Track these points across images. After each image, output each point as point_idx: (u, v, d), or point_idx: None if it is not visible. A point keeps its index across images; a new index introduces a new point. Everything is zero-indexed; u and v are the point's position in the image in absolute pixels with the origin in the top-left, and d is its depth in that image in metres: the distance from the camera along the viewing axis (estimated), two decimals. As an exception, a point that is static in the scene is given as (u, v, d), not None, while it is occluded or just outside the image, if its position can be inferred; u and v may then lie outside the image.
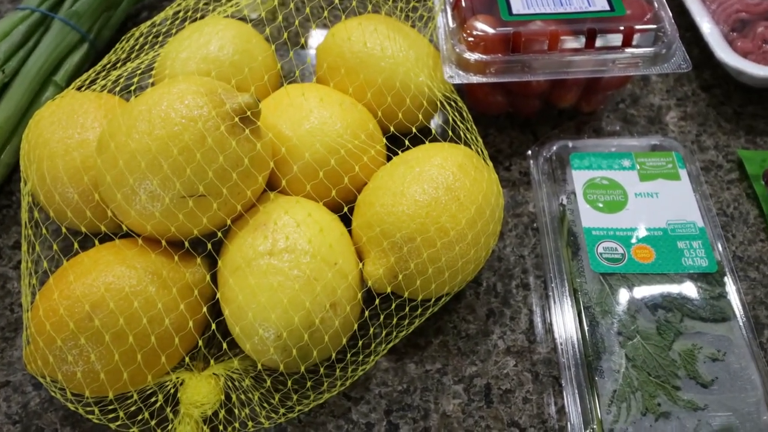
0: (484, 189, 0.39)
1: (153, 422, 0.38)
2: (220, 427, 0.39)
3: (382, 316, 0.40)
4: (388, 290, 0.38)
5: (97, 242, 0.38)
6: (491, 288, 0.45)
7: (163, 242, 0.37)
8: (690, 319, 0.40)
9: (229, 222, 0.37)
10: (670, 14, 0.47)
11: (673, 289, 0.41)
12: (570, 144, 0.49)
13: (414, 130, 0.44)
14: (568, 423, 0.39)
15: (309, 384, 0.39)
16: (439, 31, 0.49)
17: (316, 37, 0.61)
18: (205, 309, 0.38)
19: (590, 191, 0.46)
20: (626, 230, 0.44)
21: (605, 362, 0.38)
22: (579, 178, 0.47)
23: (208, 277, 0.39)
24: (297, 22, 0.48)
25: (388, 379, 0.42)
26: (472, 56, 0.46)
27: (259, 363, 0.37)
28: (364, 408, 0.41)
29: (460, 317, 0.44)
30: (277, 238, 0.36)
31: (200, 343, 0.38)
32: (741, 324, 0.40)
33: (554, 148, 0.49)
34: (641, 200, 0.45)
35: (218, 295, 0.38)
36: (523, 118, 0.54)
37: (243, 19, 0.51)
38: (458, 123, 0.44)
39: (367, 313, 0.40)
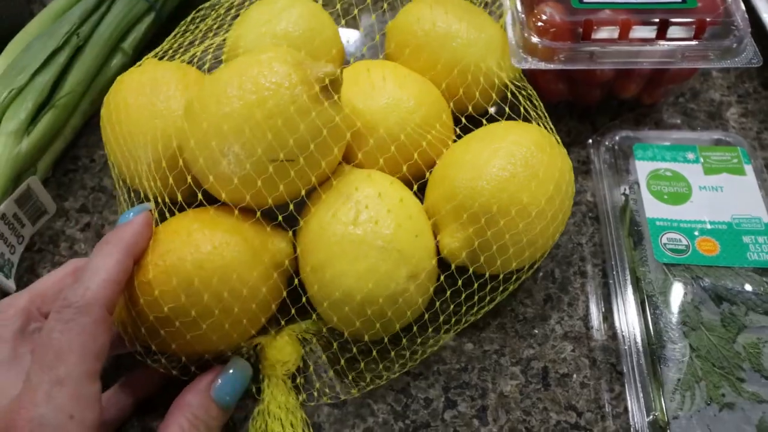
0: (560, 166, 0.40)
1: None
2: (315, 395, 0.40)
3: (464, 294, 0.40)
4: (465, 261, 0.39)
5: (175, 210, 0.38)
6: (549, 274, 0.46)
7: (258, 213, 0.37)
8: (755, 314, 0.40)
9: (303, 193, 0.38)
10: (743, 8, 0.47)
11: (737, 282, 0.41)
12: (632, 134, 0.49)
13: (491, 111, 0.44)
14: (629, 409, 0.39)
15: (393, 355, 0.40)
16: (507, 16, 0.49)
17: (375, 21, 0.61)
18: (296, 281, 0.38)
19: (654, 182, 0.46)
20: (690, 222, 0.44)
21: (669, 351, 0.39)
22: (642, 168, 0.47)
23: (292, 253, 0.39)
24: (370, 0, 0.48)
25: (447, 357, 0.42)
26: (541, 42, 0.46)
27: (334, 323, 0.37)
28: (422, 383, 0.41)
29: (517, 301, 0.44)
30: (359, 208, 0.36)
31: (273, 307, 0.39)
32: (805, 320, 0.40)
33: (616, 138, 0.49)
34: (705, 193, 0.45)
35: (297, 255, 0.38)
36: (583, 107, 0.54)
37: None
38: (528, 107, 0.44)
39: (448, 293, 0.40)
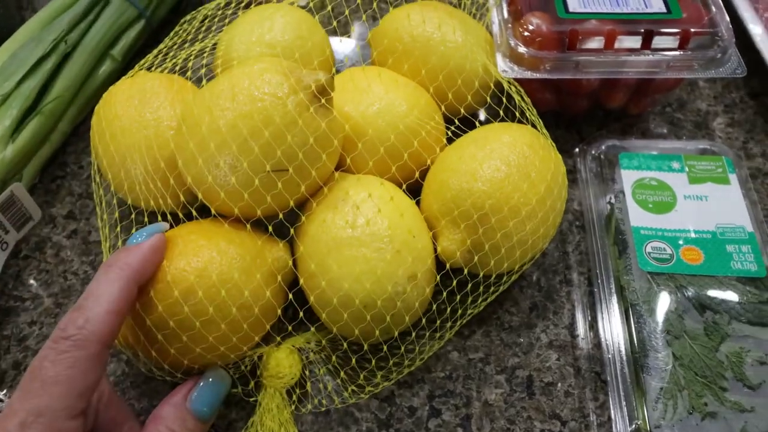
0: (552, 168, 0.40)
1: (239, 390, 0.38)
2: (308, 404, 0.40)
3: (458, 296, 0.40)
4: (462, 264, 0.39)
5: (169, 218, 0.38)
6: (535, 282, 0.46)
7: (248, 226, 0.37)
8: (738, 323, 0.40)
9: (292, 204, 0.38)
10: (728, 19, 0.47)
11: (721, 291, 0.41)
12: (618, 144, 0.50)
13: (484, 113, 0.44)
14: (612, 418, 0.39)
15: (392, 361, 0.40)
16: (493, 24, 0.49)
17: (364, 27, 0.62)
18: (290, 295, 0.38)
19: (639, 191, 0.46)
20: (675, 231, 0.44)
21: (652, 360, 0.39)
22: (628, 177, 0.47)
23: (290, 262, 0.39)
24: (347, 12, 0.49)
25: (431, 365, 0.42)
26: (528, 52, 0.46)
27: (334, 330, 0.38)
28: (407, 392, 0.41)
29: (503, 309, 0.44)
30: (354, 211, 0.37)
31: (278, 312, 0.38)
32: (788, 330, 0.40)
33: (603, 147, 0.49)
34: (690, 202, 0.45)
35: (293, 265, 0.38)
36: (570, 116, 0.55)
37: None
38: (523, 105, 0.44)
39: (444, 294, 0.40)
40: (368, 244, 0.36)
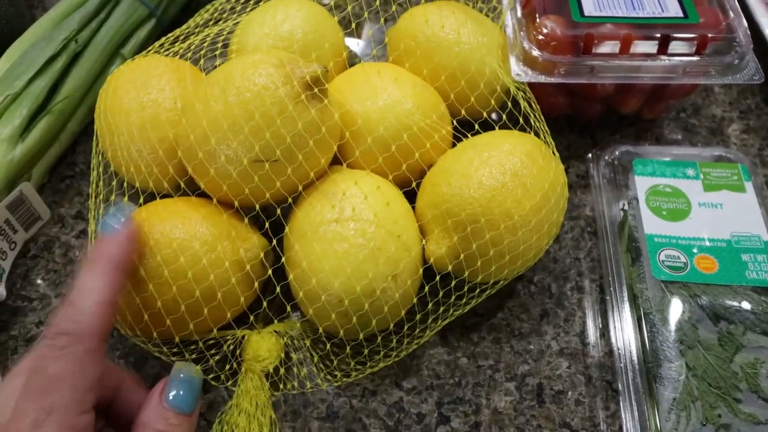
0: (551, 178, 0.39)
1: (222, 374, 0.39)
2: (281, 385, 0.40)
3: (441, 293, 0.40)
4: (449, 268, 0.39)
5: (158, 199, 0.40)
6: (545, 288, 0.45)
7: (236, 203, 0.38)
8: (753, 333, 0.39)
9: (278, 185, 0.38)
10: (745, 24, 0.46)
11: (736, 301, 0.40)
12: (632, 149, 0.49)
13: (485, 115, 0.44)
14: (623, 428, 0.38)
15: (366, 351, 0.39)
16: (507, 27, 0.49)
17: (381, 29, 0.61)
18: (270, 272, 0.39)
19: (653, 198, 0.46)
20: (689, 239, 0.43)
21: (665, 370, 0.38)
22: (642, 184, 0.46)
23: (262, 255, 0.39)
24: (366, 14, 0.48)
25: (440, 372, 0.42)
26: (542, 56, 0.45)
27: (321, 327, 0.38)
28: (415, 398, 0.41)
29: (513, 315, 0.44)
30: (344, 207, 0.37)
31: (264, 304, 0.39)
32: (804, 341, 0.39)
33: (616, 152, 0.49)
34: (705, 210, 0.45)
35: (283, 260, 0.39)
36: (583, 121, 0.54)
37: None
38: (528, 112, 0.44)
39: (426, 288, 0.39)
40: (352, 240, 0.36)
